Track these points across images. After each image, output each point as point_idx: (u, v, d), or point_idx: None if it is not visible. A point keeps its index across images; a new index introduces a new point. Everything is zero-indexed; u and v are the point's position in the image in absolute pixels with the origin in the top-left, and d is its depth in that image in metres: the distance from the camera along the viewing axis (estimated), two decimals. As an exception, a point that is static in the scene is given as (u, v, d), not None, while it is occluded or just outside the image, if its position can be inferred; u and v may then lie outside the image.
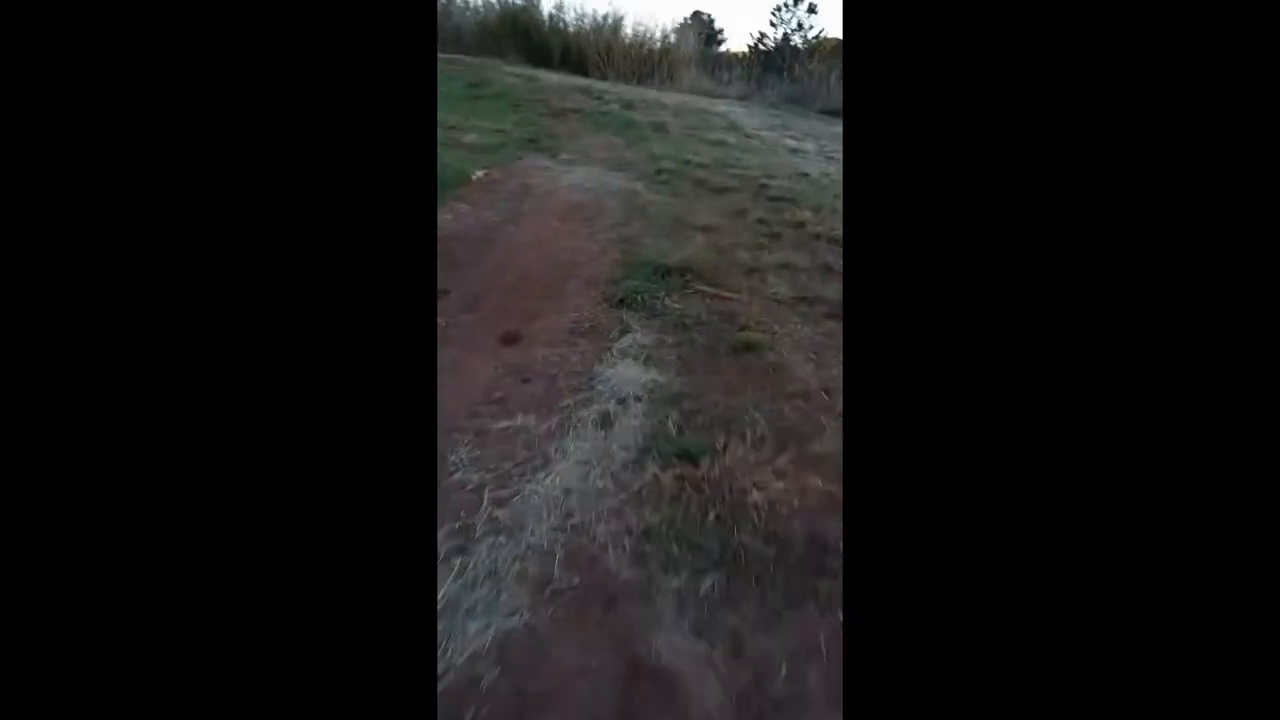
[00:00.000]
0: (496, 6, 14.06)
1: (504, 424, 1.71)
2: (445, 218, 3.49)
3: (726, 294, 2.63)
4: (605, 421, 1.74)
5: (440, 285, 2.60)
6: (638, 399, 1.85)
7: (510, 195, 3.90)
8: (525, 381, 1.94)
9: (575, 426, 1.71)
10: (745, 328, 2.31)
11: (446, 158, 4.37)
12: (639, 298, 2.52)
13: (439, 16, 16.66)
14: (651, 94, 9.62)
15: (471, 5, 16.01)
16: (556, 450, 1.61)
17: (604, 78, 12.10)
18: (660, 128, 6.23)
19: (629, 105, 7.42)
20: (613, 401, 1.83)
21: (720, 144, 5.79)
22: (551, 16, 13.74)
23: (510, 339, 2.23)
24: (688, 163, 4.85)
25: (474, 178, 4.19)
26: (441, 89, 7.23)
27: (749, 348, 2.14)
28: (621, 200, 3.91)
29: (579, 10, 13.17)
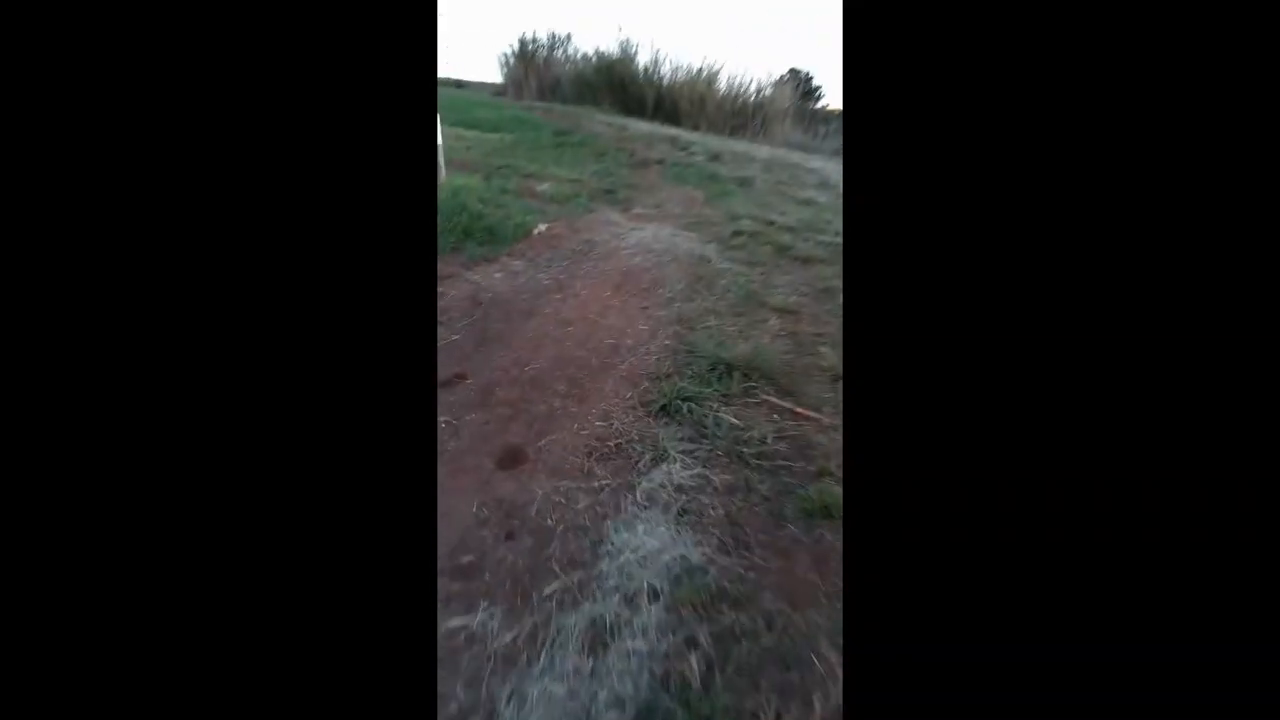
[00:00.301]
0: (593, 58, 14.43)
1: (454, 623, 1.17)
2: (495, 275, 3.12)
3: (802, 410, 2.00)
4: (598, 641, 1.15)
5: (459, 369, 2.17)
6: (655, 596, 1.25)
7: (569, 254, 3.50)
8: (509, 537, 1.41)
9: (553, 643, 1.14)
10: (824, 472, 1.67)
11: (513, 208, 4.08)
12: (686, 406, 1.95)
13: (540, 68, 17.44)
14: (741, 146, 9.20)
15: (569, 57, 16.60)
16: (511, 695, 1.04)
17: (695, 128, 11.95)
18: (746, 182, 5.74)
19: (715, 157, 7.02)
20: (617, 598, 1.25)
21: (809, 203, 5.19)
22: (646, 68, 13.88)
23: (510, 459, 1.72)
24: (770, 224, 4.28)
25: (535, 231, 3.86)
26: (528, 136, 7.17)
27: (828, 513, 1.50)
28: (687, 267, 3.39)
29: (674, 62, 13.22)
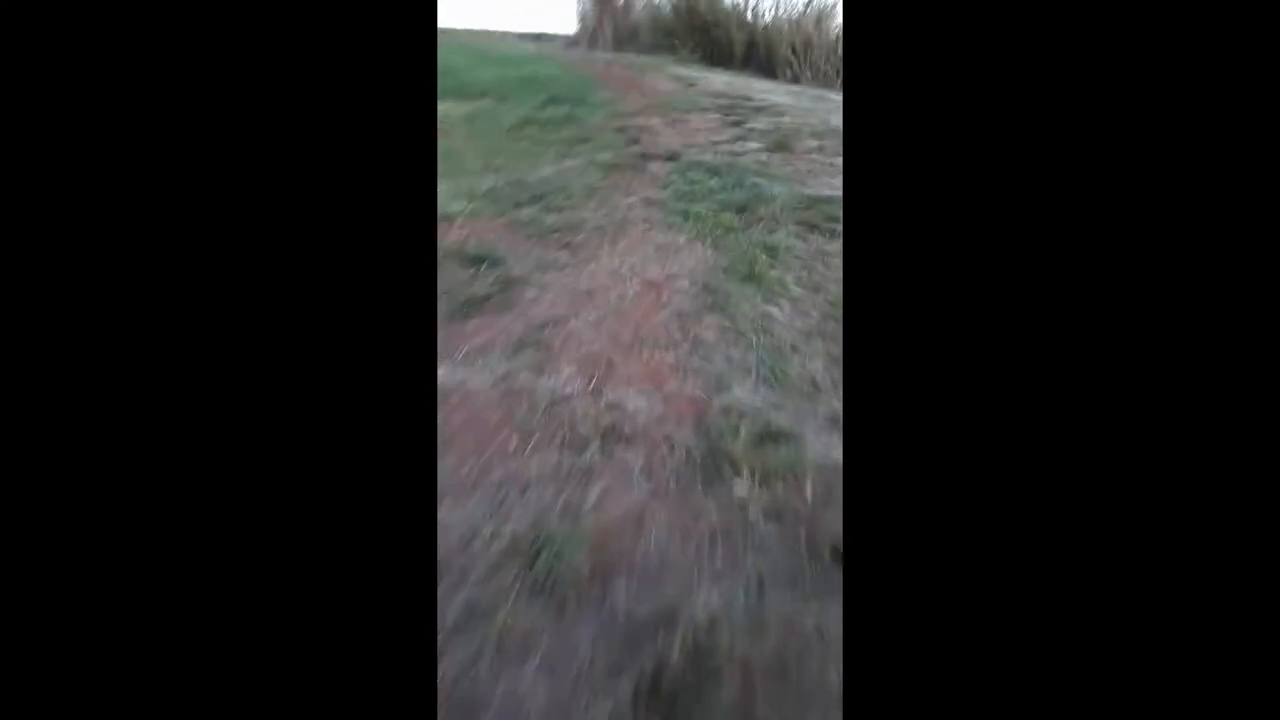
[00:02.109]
0: None
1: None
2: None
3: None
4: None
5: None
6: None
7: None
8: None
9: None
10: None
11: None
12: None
13: (618, 14, 14.69)
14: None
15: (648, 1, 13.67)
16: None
17: (795, 80, 8.86)
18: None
19: (783, 144, 4.18)
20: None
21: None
22: (736, 5, 10.71)
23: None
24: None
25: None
26: (508, 110, 4.77)
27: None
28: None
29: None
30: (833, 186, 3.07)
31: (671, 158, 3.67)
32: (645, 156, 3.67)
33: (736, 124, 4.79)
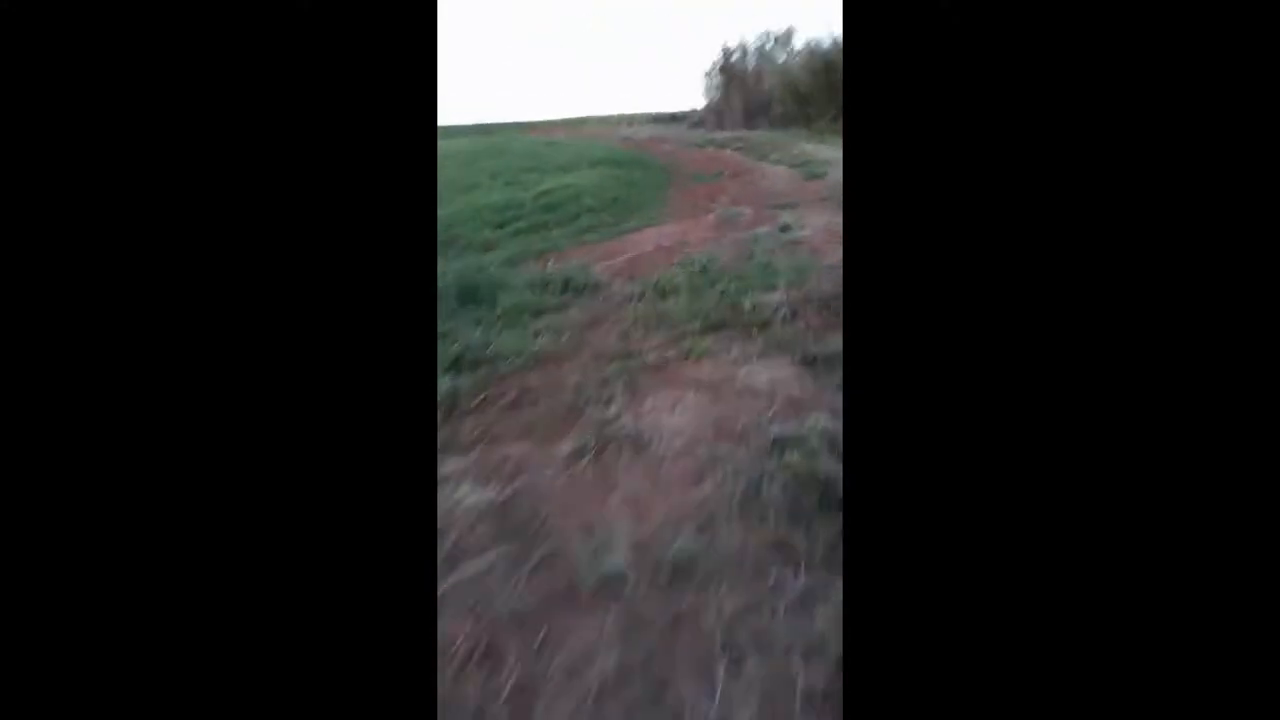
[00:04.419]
0: (807, 52, 9.44)
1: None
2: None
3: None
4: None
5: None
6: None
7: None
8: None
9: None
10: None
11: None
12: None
13: (749, 82, 13.08)
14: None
15: (787, 62, 11.81)
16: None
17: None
18: None
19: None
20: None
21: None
22: None
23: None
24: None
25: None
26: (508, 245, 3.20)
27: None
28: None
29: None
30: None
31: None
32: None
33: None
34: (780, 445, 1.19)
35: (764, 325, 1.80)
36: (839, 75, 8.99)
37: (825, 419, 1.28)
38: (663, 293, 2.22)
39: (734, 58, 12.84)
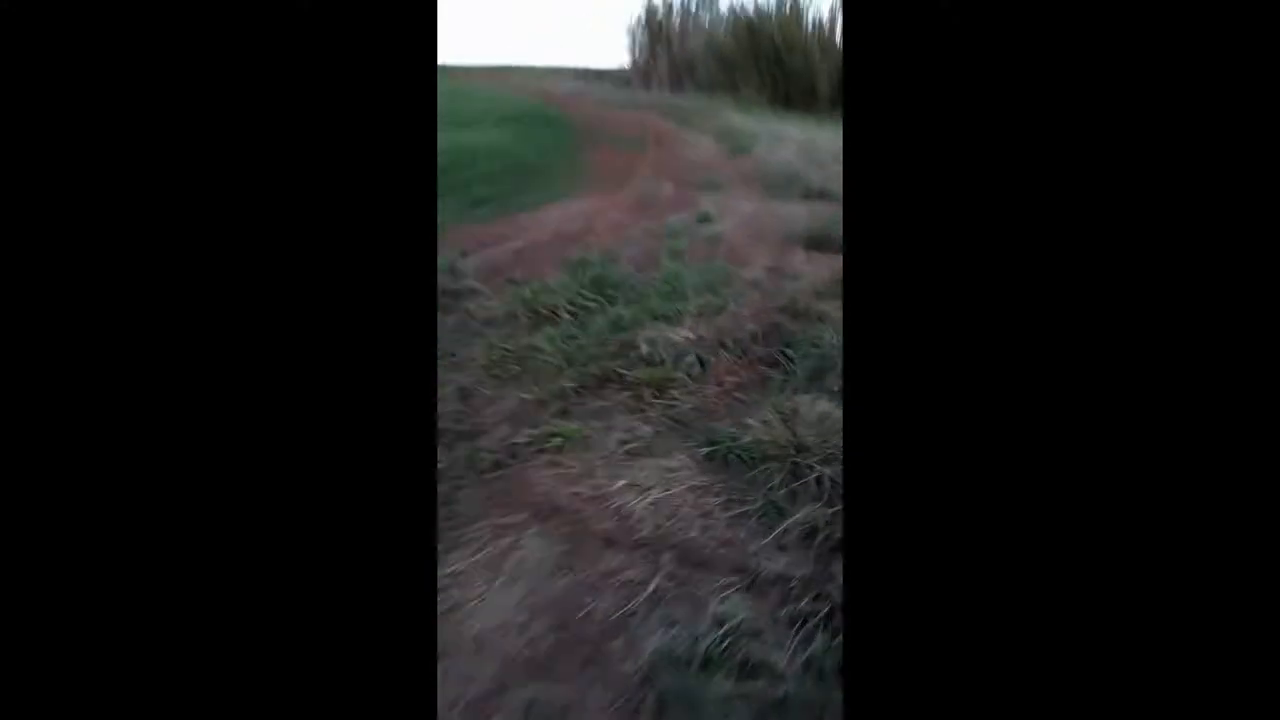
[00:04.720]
0: (731, 17, 8.86)
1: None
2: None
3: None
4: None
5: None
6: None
7: None
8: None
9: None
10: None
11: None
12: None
13: (674, 43, 12.39)
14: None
15: (713, 22, 11.21)
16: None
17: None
18: None
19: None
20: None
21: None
22: (817, 28, 7.95)
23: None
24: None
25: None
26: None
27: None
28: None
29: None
30: None
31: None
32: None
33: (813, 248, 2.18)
34: (658, 672, 0.70)
35: (661, 386, 1.29)
36: (764, 42, 8.53)
37: (740, 606, 0.80)
38: (538, 314, 1.67)
39: (659, 15, 12.04)
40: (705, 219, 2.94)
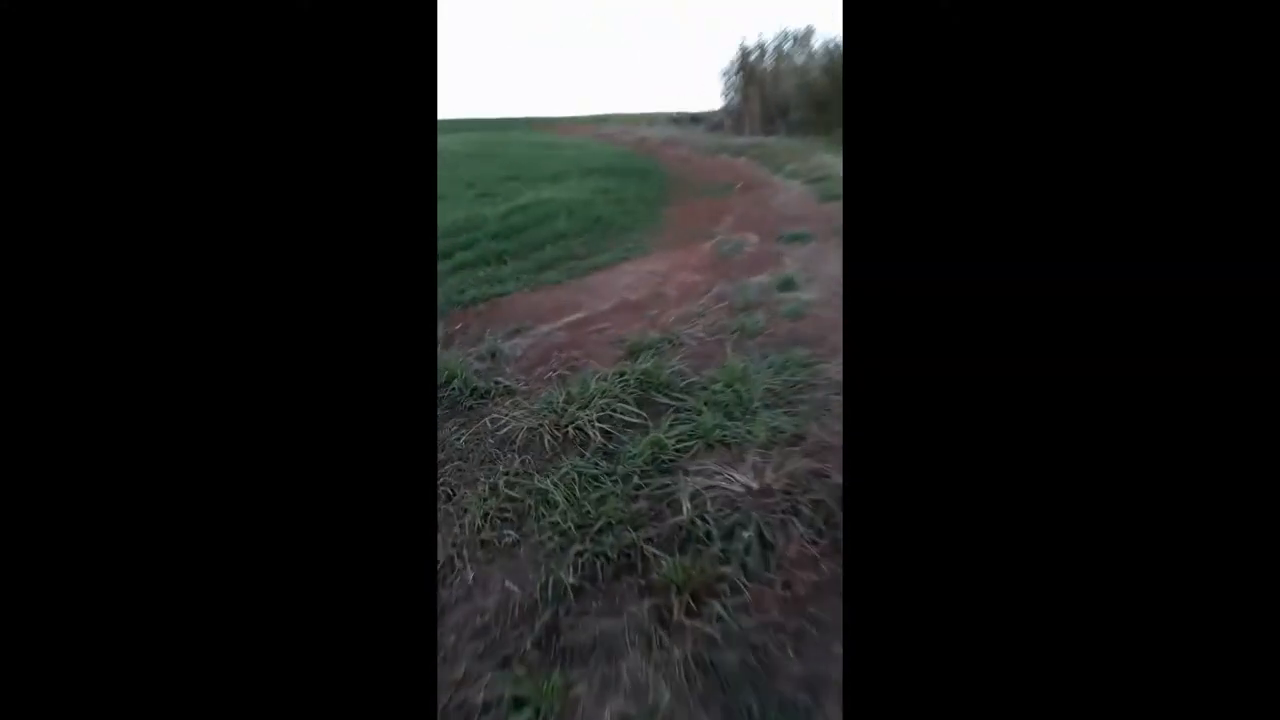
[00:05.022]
0: (824, 55, 8.45)
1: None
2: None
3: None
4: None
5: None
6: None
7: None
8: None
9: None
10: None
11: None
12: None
13: (767, 84, 12.14)
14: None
15: (807, 63, 10.84)
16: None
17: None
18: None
19: None
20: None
21: None
22: None
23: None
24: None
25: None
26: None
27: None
28: None
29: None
30: None
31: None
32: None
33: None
34: None
35: (699, 592, 0.92)
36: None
37: None
38: (565, 435, 1.36)
39: (752, 57, 11.88)
40: (788, 285, 2.54)
